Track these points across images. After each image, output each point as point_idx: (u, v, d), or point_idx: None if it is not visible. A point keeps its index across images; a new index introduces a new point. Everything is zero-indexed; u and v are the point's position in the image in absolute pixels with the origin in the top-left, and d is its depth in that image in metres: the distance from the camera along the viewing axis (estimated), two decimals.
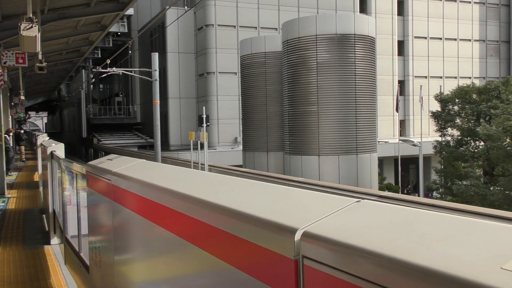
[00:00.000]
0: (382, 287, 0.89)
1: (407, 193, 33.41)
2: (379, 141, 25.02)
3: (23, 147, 24.42)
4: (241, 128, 25.10)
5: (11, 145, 18.00)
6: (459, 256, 0.85)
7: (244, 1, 33.44)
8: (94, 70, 23.11)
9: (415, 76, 39.51)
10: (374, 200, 4.61)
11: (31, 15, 8.27)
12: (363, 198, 1.31)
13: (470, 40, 41.62)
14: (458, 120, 26.70)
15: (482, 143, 24.90)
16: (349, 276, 0.97)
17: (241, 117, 24.46)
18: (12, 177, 16.29)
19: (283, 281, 1.17)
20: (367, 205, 1.23)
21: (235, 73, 31.89)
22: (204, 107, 20.64)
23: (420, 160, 24.00)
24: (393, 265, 0.89)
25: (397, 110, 31.72)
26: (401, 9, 39.42)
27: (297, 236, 1.13)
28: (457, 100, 26.94)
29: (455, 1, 40.92)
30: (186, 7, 15.54)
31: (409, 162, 35.05)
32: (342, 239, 1.03)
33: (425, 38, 39.94)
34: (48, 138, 13.04)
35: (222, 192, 1.73)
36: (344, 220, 1.15)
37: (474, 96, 26.44)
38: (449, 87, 32.69)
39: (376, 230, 1.05)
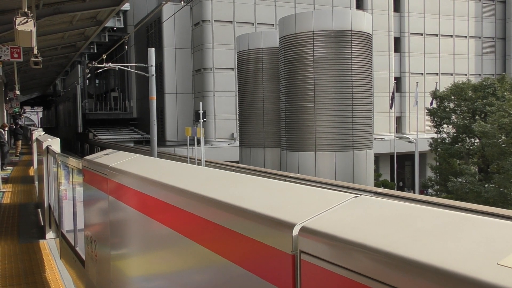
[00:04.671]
0: (379, 282, 0.90)
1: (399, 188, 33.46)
2: (375, 138, 25.04)
3: (19, 142, 24.38)
4: (238, 124, 25.07)
5: (6, 139, 17.97)
6: (456, 251, 0.86)
7: None
8: (90, 65, 22.99)
9: (411, 73, 39.52)
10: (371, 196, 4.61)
11: (26, 10, 8.21)
12: (359, 195, 1.31)
13: (466, 36, 41.65)
14: (453, 117, 26.76)
15: (477, 140, 24.97)
16: (346, 271, 0.98)
17: (238, 113, 24.43)
18: (7, 171, 16.23)
19: (281, 276, 1.17)
20: (365, 201, 1.23)
21: (232, 69, 31.82)
22: (201, 103, 20.62)
23: (416, 157, 24.04)
24: (390, 260, 0.89)
25: (391, 107, 31.69)
26: (398, 5, 39.38)
27: (295, 231, 1.13)
28: (452, 97, 27.01)
29: None
30: (182, 2, 15.48)
31: (405, 159, 35.10)
32: (339, 234, 1.03)
33: (421, 34, 39.95)
34: (44, 133, 13.00)
35: (219, 187, 1.73)
36: (342, 216, 1.15)
37: (470, 93, 26.50)
38: (445, 83, 32.73)
39: (374, 225, 1.05)
